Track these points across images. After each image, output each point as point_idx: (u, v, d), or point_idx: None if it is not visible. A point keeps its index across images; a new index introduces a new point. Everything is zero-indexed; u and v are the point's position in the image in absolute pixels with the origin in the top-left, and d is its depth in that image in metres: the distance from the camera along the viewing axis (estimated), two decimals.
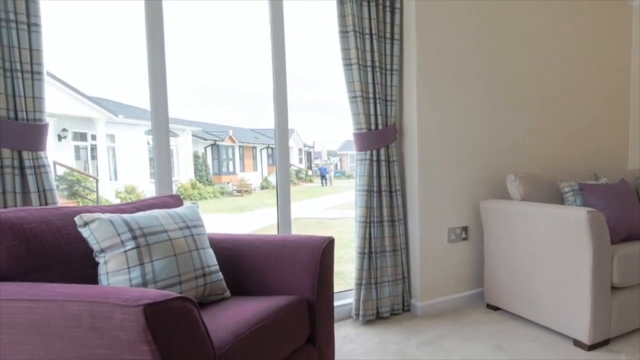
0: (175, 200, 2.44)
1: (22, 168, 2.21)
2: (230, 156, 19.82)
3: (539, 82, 4.08)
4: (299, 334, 2.06)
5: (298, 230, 3.70)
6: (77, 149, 11.44)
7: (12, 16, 2.14)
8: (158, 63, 2.73)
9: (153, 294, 1.27)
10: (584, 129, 4.45)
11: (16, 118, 2.18)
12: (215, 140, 18.62)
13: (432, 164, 3.51)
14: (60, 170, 10.15)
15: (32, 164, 2.23)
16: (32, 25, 2.20)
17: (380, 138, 3.30)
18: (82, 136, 11.49)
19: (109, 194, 11.60)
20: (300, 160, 25.09)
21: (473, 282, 3.79)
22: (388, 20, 3.31)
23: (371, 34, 3.22)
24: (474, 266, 3.78)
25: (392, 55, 3.33)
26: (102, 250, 1.79)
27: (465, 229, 3.71)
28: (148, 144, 12.69)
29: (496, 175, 3.85)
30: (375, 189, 3.33)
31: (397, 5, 3.32)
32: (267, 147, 21.52)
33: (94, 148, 11.64)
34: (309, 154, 26.41)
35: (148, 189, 12.00)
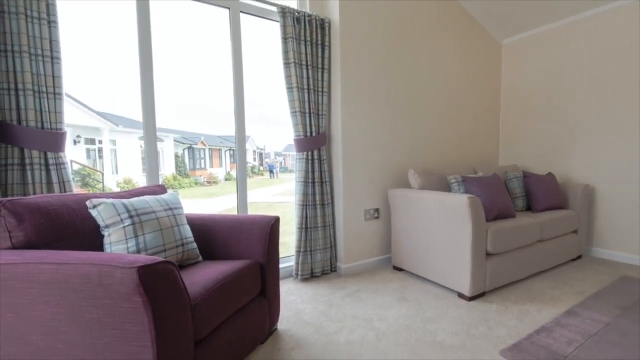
0: (161, 189, 2.45)
1: (47, 165, 2.21)
2: (202, 156, 19.45)
3: (432, 100, 4.15)
4: (253, 288, 2.11)
5: (252, 211, 3.73)
6: (87, 150, 11.23)
7: (39, 51, 2.16)
8: (148, 86, 2.69)
9: (144, 258, 1.32)
10: (465, 136, 4.57)
11: (42, 127, 2.19)
12: (191, 144, 18.28)
13: (353, 161, 3.56)
14: (75, 167, 9.95)
15: (54, 162, 2.24)
16: (54, 58, 2.21)
17: (314, 142, 3.34)
18: (91, 141, 11.31)
19: (111, 184, 11.41)
20: (254, 159, 24.78)
21: (383, 250, 3.84)
22: (320, 54, 3.35)
23: (307, 65, 3.26)
24: (383, 238, 3.83)
25: (322, 80, 3.37)
26: (107, 226, 1.82)
27: (377, 210, 3.75)
28: (140, 147, 12.42)
29: (400, 170, 3.91)
30: (310, 180, 3.37)
31: (327, 43, 3.38)
32: (230, 149, 21.12)
33: (100, 150, 11.44)
34: (260, 154, 26.10)
35: (141, 181, 11.79)
